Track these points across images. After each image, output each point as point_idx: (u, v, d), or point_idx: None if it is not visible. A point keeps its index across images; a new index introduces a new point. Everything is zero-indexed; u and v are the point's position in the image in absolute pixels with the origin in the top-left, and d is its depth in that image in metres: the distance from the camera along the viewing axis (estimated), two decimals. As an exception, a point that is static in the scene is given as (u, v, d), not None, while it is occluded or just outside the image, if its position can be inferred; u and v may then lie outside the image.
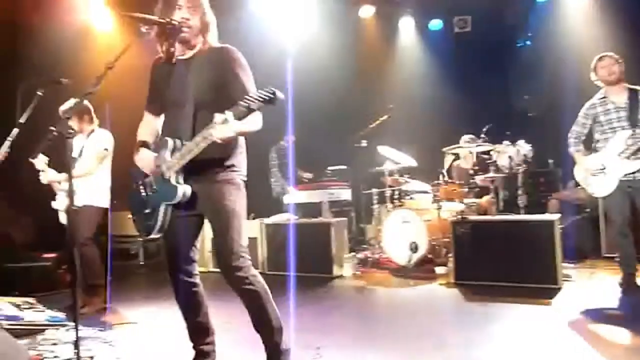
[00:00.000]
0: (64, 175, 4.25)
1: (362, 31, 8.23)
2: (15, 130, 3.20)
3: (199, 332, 2.61)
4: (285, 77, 5.71)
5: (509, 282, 4.32)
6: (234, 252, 2.34)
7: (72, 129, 2.07)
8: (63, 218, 4.40)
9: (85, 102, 4.27)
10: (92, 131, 4.45)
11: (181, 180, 2.37)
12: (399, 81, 8.16)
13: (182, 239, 2.51)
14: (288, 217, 5.99)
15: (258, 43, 6.37)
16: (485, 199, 5.68)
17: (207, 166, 2.37)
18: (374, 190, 6.25)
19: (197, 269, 2.60)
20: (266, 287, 2.45)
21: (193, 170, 2.37)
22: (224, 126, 2.06)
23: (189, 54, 2.44)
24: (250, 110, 2.04)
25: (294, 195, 6.65)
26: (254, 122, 2.28)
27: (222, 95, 2.30)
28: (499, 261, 4.43)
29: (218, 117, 2.05)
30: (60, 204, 4.40)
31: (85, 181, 4.30)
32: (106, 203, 4.47)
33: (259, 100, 2.01)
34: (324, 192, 6.43)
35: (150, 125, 2.60)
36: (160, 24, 2.26)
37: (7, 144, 3.19)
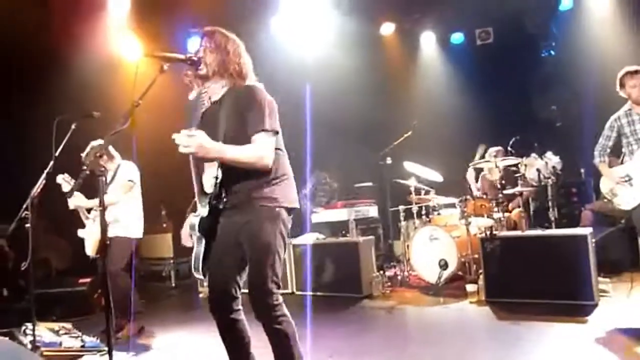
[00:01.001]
0: (91, 202, 4.37)
1: (383, 48, 8.27)
2: (51, 163, 3.34)
3: None
4: (305, 99, 5.79)
5: (542, 299, 4.22)
6: (265, 289, 2.34)
7: (104, 167, 2.16)
8: (88, 248, 4.45)
9: (94, 142, 4.28)
10: (118, 166, 4.58)
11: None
12: (422, 96, 8.15)
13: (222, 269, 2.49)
14: (316, 237, 6.01)
15: (281, 64, 6.50)
16: (515, 213, 5.59)
17: (241, 196, 2.38)
18: (401, 207, 6.22)
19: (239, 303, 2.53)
20: (294, 328, 2.42)
21: (229, 200, 2.40)
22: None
23: (220, 93, 2.51)
24: None
25: (321, 214, 6.67)
26: (243, 151, 2.31)
27: (244, 132, 2.35)
28: (531, 277, 4.33)
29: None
30: (86, 233, 4.48)
31: (115, 212, 4.41)
32: (138, 233, 4.57)
33: None
34: (350, 210, 6.44)
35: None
36: (179, 60, 2.36)
37: (43, 176, 3.33)
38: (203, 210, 2.44)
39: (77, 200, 4.32)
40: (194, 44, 7.56)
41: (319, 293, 5.48)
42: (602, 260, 4.62)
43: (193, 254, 2.47)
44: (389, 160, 6.38)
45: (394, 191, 6.57)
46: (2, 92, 6.04)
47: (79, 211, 4.47)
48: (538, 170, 5.35)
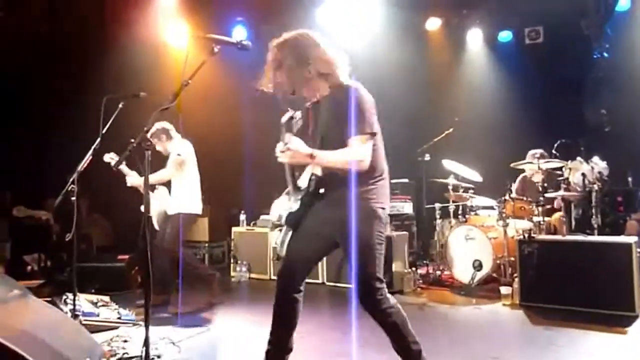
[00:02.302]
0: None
1: (429, 43, 8.13)
2: (97, 140, 3.46)
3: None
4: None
5: (579, 306, 4.10)
6: (369, 287, 2.39)
7: (150, 141, 2.23)
8: (156, 224, 4.71)
9: (159, 125, 4.63)
10: (174, 145, 4.74)
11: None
12: (466, 94, 7.99)
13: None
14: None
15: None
16: (556, 217, 5.43)
17: (338, 193, 2.42)
18: (437, 205, 6.14)
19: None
20: (404, 316, 2.47)
21: (324, 195, 2.49)
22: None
23: (317, 96, 2.52)
24: None
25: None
26: (335, 156, 2.35)
27: (341, 133, 2.37)
28: (568, 284, 4.20)
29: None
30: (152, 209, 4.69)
31: (173, 190, 4.64)
32: (197, 209, 4.72)
33: None
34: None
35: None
36: (230, 44, 2.40)
37: (90, 152, 3.45)
38: (294, 205, 2.53)
39: (133, 179, 4.50)
40: (239, 33, 7.66)
41: (349, 285, 5.48)
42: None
43: (279, 239, 2.57)
44: (427, 157, 6.30)
45: (430, 189, 6.48)
46: (54, 72, 6.30)
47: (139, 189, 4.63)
48: (583, 174, 5.17)
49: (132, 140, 2.25)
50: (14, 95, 6.17)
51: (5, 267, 5.71)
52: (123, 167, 4.43)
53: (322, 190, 2.51)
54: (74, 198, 3.39)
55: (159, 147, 4.68)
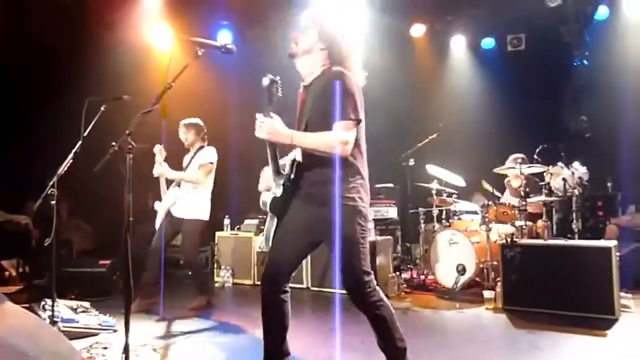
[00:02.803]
0: (174, 173, 4.63)
1: (413, 49, 8.21)
2: (78, 143, 3.40)
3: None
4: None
5: (561, 310, 4.15)
6: (357, 281, 2.42)
7: (132, 145, 2.20)
8: (158, 222, 4.72)
9: (200, 121, 4.79)
10: (201, 147, 4.79)
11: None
12: (450, 100, 8.07)
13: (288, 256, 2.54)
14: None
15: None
16: (539, 223, 5.49)
17: (319, 188, 2.41)
18: (421, 210, 6.17)
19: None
20: (391, 310, 2.50)
21: (306, 187, 2.47)
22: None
23: (310, 79, 2.53)
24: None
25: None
26: (316, 138, 2.35)
27: (325, 118, 2.36)
28: (550, 288, 4.25)
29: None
30: (160, 206, 4.73)
31: (193, 195, 4.64)
32: (207, 216, 4.76)
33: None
34: (369, 209, 6.39)
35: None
36: (214, 47, 2.39)
37: (71, 155, 3.39)
38: (277, 190, 2.52)
39: (161, 169, 4.53)
40: (224, 37, 7.64)
41: (332, 290, 5.47)
42: (626, 275, 4.51)
43: (265, 229, 2.58)
44: (411, 162, 6.34)
45: (414, 194, 6.52)
46: (37, 74, 6.20)
47: (160, 181, 4.72)
48: (564, 179, 5.26)
49: (114, 144, 2.22)
50: (2, 98, 6.06)
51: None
52: (157, 153, 4.51)
53: (303, 181, 2.48)
54: (53, 202, 3.33)
55: (186, 137, 4.76)
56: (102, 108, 3.46)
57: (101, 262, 5.45)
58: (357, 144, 2.43)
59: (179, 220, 4.65)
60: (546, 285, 4.28)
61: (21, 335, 2.10)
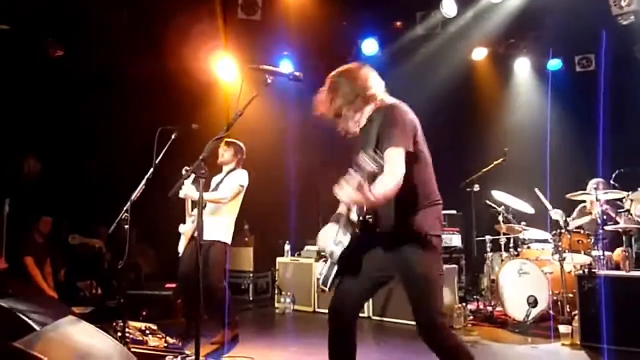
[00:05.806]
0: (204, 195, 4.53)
1: (475, 73, 8.05)
2: (151, 170, 3.55)
3: None
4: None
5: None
6: (432, 324, 2.31)
7: (205, 170, 2.27)
8: (182, 245, 4.63)
9: (242, 144, 4.70)
10: (234, 169, 4.68)
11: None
12: (515, 124, 7.84)
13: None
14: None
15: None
16: (617, 252, 5.12)
17: (389, 225, 2.38)
18: (488, 238, 5.93)
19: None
20: (468, 352, 2.36)
21: (376, 226, 2.43)
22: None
23: (364, 121, 2.53)
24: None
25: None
26: (384, 185, 2.21)
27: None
28: (635, 323, 3.92)
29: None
30: (184, 229, 4.64)
31: (215, 216, 4.51)
32: (229, 239, 4.60)
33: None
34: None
35: None
36: (283, 75, 2.45)
37: (143, 182, 3.54)
38: (344, 239, 2.41)
39: (188, 190, 4.34)
40: (285, 66, 7.83)
41: (393, 319, 5.32)
42: None
43: (323, 271, 2.50)
44: (476, 188, 6.13)
45: (480, 221, 6.29)
46: (112, 104, 6.62)
47: (185, 203, 4.61)
48: (646, 206, 4.88)
49: (187, 168, 2.29)
50: (78, 127, 6.51)
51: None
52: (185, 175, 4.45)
53: (372, 221, 2.45)
54: (127, 226, 3.46)
55: (223, 154, 4.65)
56: (173, 136, 3.59)
57: (167, 285, 5.60)
58: (424, 174, 2.42)
59: (202, 243, 4.51)
60: (631, 321, 3.95)
61: (99, 354, 2.17)
